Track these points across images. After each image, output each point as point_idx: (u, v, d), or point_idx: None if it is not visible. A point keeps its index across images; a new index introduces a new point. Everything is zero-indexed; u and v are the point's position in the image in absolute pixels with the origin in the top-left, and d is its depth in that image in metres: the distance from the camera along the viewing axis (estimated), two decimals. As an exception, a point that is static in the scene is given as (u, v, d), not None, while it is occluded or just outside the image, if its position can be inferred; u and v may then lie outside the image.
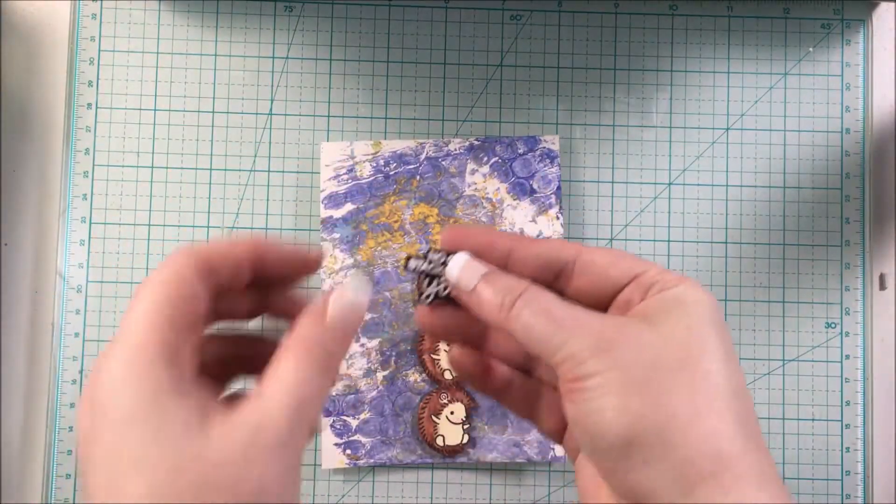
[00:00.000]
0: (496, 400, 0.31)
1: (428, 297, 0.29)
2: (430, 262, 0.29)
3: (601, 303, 0.29)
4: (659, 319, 0.26)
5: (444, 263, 0.29)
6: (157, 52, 0.50)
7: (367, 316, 0.47)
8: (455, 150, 0.48)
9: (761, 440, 0.25)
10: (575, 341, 0.25)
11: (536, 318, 0.26)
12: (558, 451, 0.46)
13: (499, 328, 0.28)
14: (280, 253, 0.28)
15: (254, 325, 0.30)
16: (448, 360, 0.30)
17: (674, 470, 0.24)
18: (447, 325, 0.30)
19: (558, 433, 0.30)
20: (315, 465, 0.48)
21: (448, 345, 0.30)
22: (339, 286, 0.27)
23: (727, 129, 0.50)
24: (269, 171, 0.49)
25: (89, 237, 0.49)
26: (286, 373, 0.25)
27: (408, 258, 0.30)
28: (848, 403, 0.49)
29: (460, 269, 0.29)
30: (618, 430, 0.24)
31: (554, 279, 0.29)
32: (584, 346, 0.25)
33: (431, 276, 0.30)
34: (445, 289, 0.29)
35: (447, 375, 0.47)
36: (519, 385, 0.31)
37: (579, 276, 0.29)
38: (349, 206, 0.48)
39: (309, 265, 0.29)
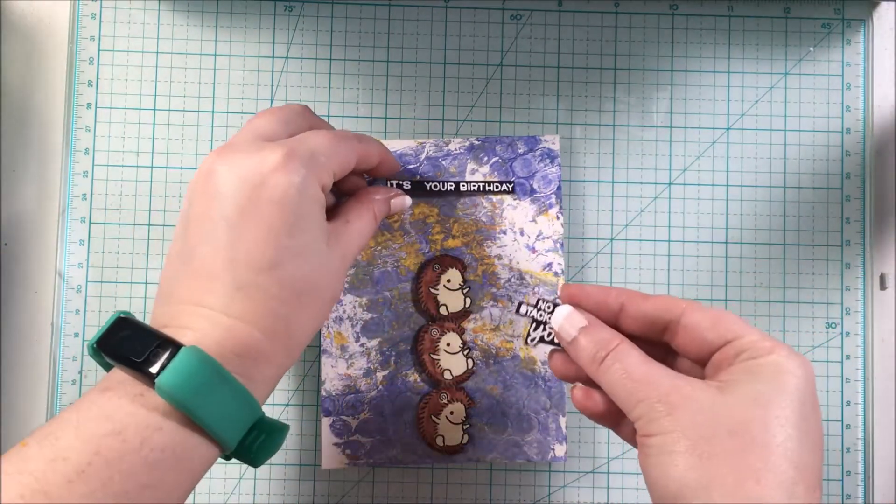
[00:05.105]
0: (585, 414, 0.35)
1: (534, 339, 0.34)
2: (539, 311, 0.34)
3: (701, 360, 0.31)
4: (732, 385, 0.28)
5: (552, 313, 0.34)
6: (157, 52, 0.50)
7: (367, 315, 0.47)
8: (455, 149, 0.48)
9: None
10: (648, 402, 0.28)
11: (620, 375, 0.29)
12: (558, 451, 0.46)
13: (592, 377, 0.31)
14: (386, 156, 0.40)
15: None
16: (571, 396, 0.34)
17: None
18: (560, 362, 0.35)
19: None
20: (315, 465, 0.48)
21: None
22: (400, 196, 0.41)
23: (727, 129, 0.50)
24: (268, 171, 0.49)
25: (89, 237, 0.49)
26: (364, 226, 0.36)
27: (520, 304, 0.35)
28: (848, 404, 0.49)
29: (563, 319, 0.32)
30: (668, 486, 0.26)
31: (662, 333, 0.32)
32: (655, 407, 0.28)
33: (538, 322, 0.34)
34: (549, 335, 0.34)
35: (447, 375, 0.47)
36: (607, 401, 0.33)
37: (682, 334, 0.31)
38: (349, 206, 0.48)
39: (392, 169, 0.41)
